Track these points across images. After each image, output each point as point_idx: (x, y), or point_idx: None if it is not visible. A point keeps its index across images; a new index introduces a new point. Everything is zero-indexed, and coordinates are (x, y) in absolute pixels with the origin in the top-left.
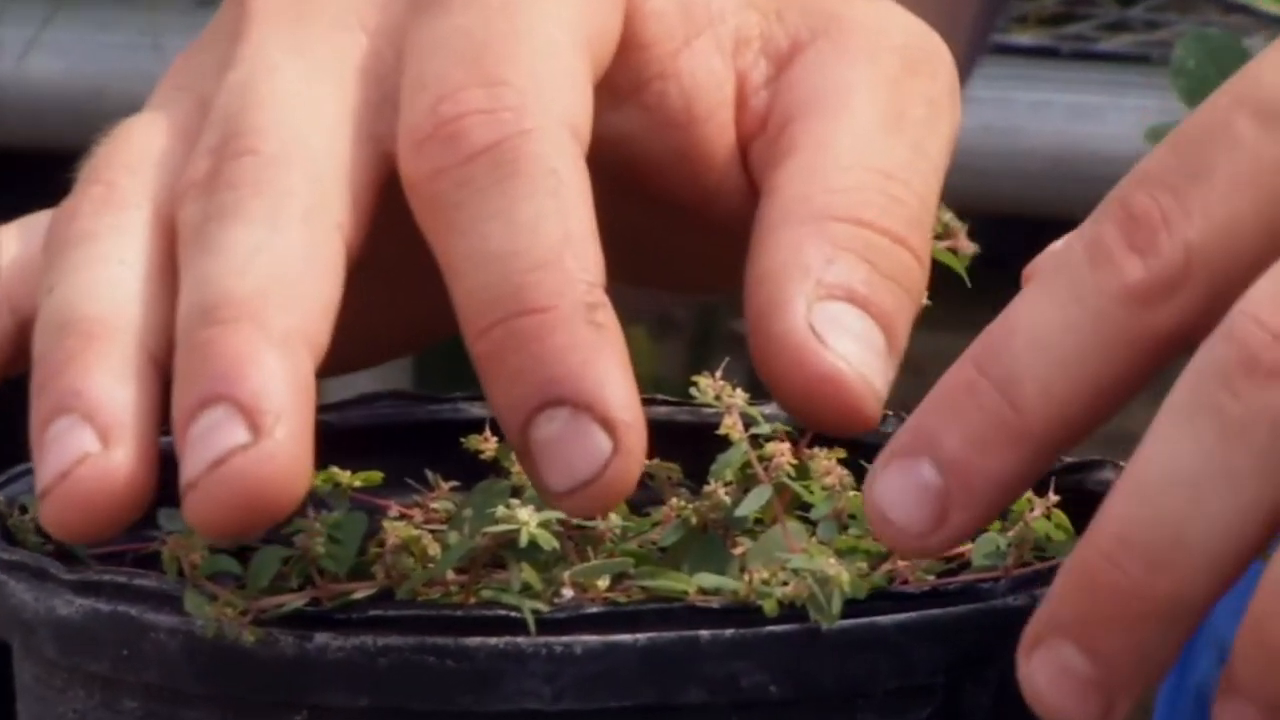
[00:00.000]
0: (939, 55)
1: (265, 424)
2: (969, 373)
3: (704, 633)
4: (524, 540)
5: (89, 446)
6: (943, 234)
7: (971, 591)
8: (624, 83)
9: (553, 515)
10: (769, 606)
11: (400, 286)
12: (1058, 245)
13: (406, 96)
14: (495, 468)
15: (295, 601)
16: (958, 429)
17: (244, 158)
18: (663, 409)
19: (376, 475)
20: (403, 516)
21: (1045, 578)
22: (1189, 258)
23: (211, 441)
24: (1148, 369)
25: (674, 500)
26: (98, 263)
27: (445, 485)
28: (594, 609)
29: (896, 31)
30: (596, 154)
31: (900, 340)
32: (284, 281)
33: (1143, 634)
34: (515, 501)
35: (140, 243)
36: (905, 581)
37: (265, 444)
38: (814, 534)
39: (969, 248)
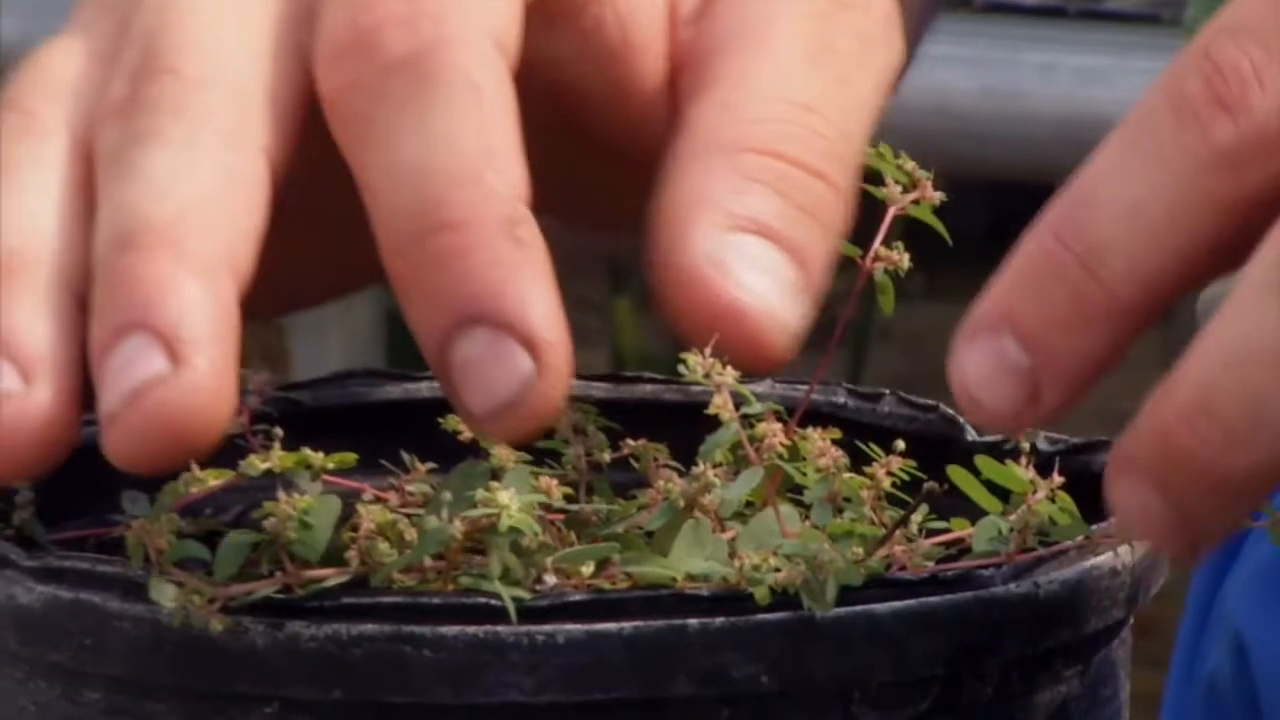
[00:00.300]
0: None
1: (185, 353)
2: (1049, 242)
3: (692, 621)
4: (504, 525)
5: (9, 385)
6: (908, 185)
7: (972, 579)
8: (559, 6)
9: (535, 499)
10: (760, 594)
11: (330, 218)
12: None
13: (325, 8)
14: (474, 449)
15: (265, 589)
16: (1042, 306)
17: (163, 79)
18: (649, 387)
19: (350, 457)
20: (377, 500)
21: (1049, 564)
22: None
23: (130, 372)
24: (1237, 235)
25: (661, 482)
26: (15, 194)
27: (422, 467)
28: (577, 597)
29: None
30: (527, 80)
31: (815, 276)
32: (204, 206)
33: (1224, 502)
34: (495, 484)
35: (59, 173)
36: (903, 567)
37: (185, 374)
38: (807, 518)
39: (935, 197)
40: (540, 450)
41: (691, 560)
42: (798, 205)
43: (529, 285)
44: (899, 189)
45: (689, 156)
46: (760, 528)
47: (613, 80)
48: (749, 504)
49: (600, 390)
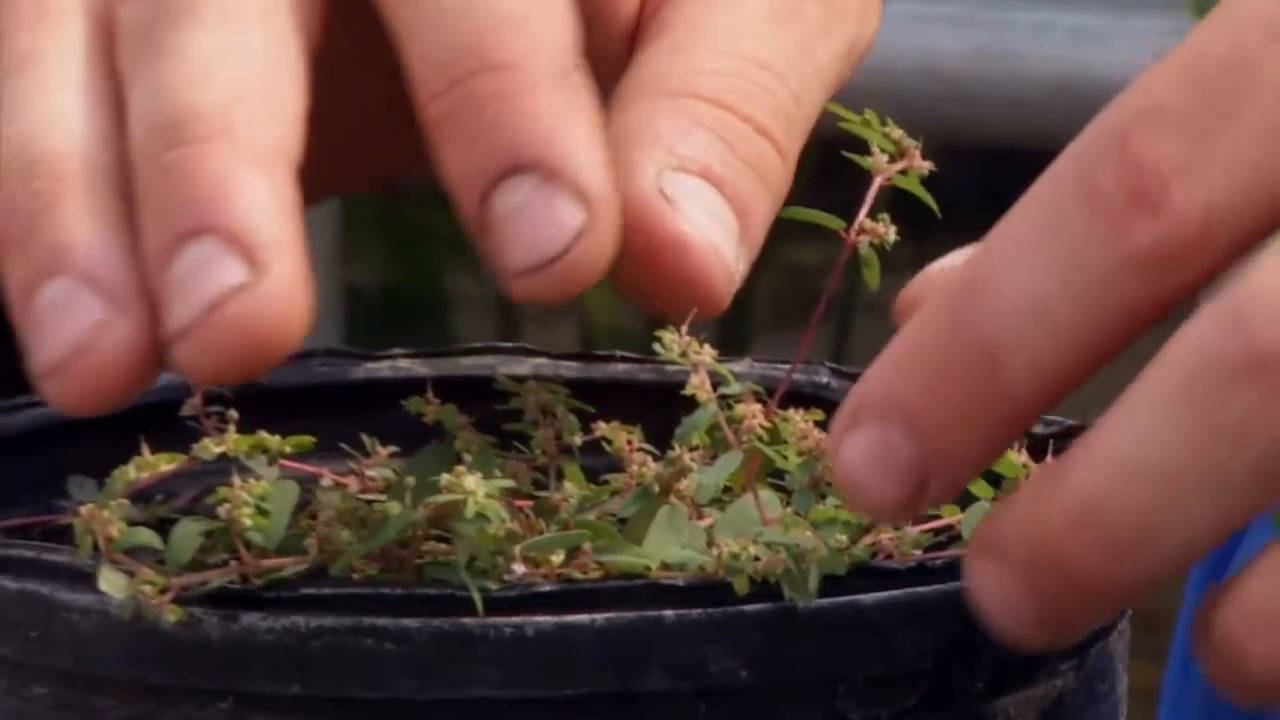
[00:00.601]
0: None
1: (262, 258)
2: (945, 332)
3: (668, 613)
4: (470, 511)
5: (96, 314)
6: (895, 154)
7: (961, 567)
8: None
9: (502, 484)
10: (739, 584)
11: (352, 96)
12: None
13: None
14: (438, 431)
15: (220, 579)
16: (936, 401)
17: None
18: (622, 366)
19: (308, 440)
20: (337, 485)
21: None
22: (1207, 222)
23: (202, 280)
24: (1145, 331)
25: (634, 467)
26: (49, 90)
27: (383, 451)
28: (547, 587)
29: None
30: None
31: (756, 233)
32: (252, 90)
33: (1095, 607)
34: (461, 468)
35: (88, 59)
36: (889, 556)
37: (266, 282)
38: (789, 504)
39: (923, 166)
40: (507, 433)
41: (667, 548)
42: (742, 157)
43: (582, 133)
44: (885, 158)
45: (634, 97)
46: (739, 515)
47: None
48: (727, 489)
49: (570, 369)
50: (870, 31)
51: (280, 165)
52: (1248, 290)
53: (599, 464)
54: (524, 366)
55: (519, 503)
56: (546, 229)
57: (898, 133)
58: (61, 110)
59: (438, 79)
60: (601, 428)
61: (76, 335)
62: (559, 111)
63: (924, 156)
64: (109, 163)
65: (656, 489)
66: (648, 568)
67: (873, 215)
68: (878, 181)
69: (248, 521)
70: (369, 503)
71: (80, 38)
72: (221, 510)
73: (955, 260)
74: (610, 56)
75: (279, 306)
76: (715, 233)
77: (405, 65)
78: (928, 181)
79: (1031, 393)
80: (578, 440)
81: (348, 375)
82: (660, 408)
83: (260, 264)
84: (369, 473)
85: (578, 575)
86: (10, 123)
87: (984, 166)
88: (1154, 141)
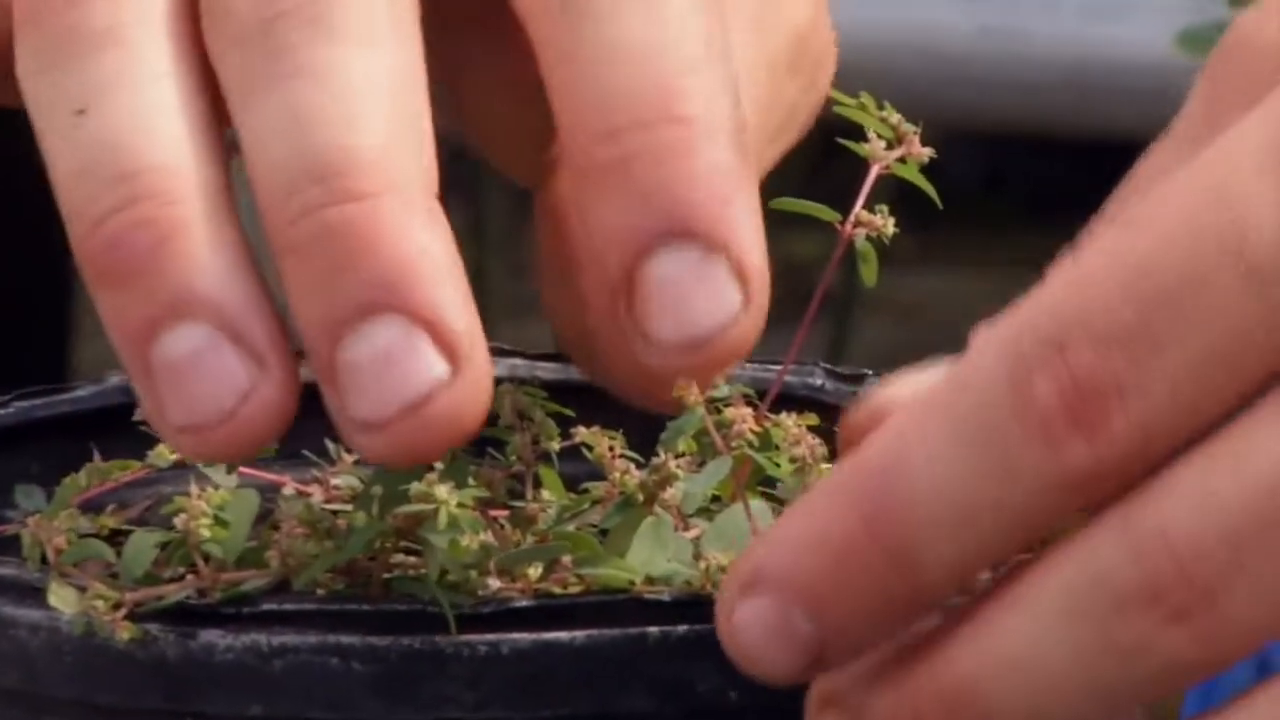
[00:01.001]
0: (828, 63)
1: (463, 351)
2: (857, 528)
3: (652, 630)
4: (443, 522)
5: (240, 374)
6: (892, 141)
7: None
8: None
9: (475, 493)
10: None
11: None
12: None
13: None
14: None
15: (176, 593)
16: (843, 591)
17: None
18: None
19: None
20: (300, 494)
21: None
22: (1146, 444)
23: (399, 373)
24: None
25: (617, 475)
26: (138, 81)
27: (348, 457)
28: (524, 602)
29: (796, 12)
30: None
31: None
32: (405, 127)
33: None
34: (432, 476)
35: (172, 40)
36: None
37: (467, 376)
38: (781, 513)
39: (923, 153)
40: (481, 439)
41: (651, 561)
42: None
43: (747, 206)
44: (883, 145)
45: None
46: (728, 525)
47: None
48: (715, 499)
49: (547, 370)
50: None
51: (441, 216)
52: (1155, 524)
53: (579, 471)
54: (498, 367)
55: (494, 513)
56: (704, 305)
57: (895, 117)
58: (156, 108)
59: (611, 120)
60: (581, 433)
61: (222, 398)
62: (733, 177)
63: (924, 143)
64: (219, 181)
65: (640, 498)
66: (631, 581)
67: (870, 206)
68: (875, 170)
69: (205, 533)
70: (334, 513)
71: (161, 9)
72: (178, 521)
73: (908, 387)
74: None
75: (479, 401)
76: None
77: (566, 94)
78: (931, 167)
79: (945, 586)
80: (556, 446)
81: (308, 375)
82: (640, 412)
83: (461, 358)
84: (334, 481)
85: (556, 590)
86: (94, 113)
87: (990, 152)
88: (1095, 357)
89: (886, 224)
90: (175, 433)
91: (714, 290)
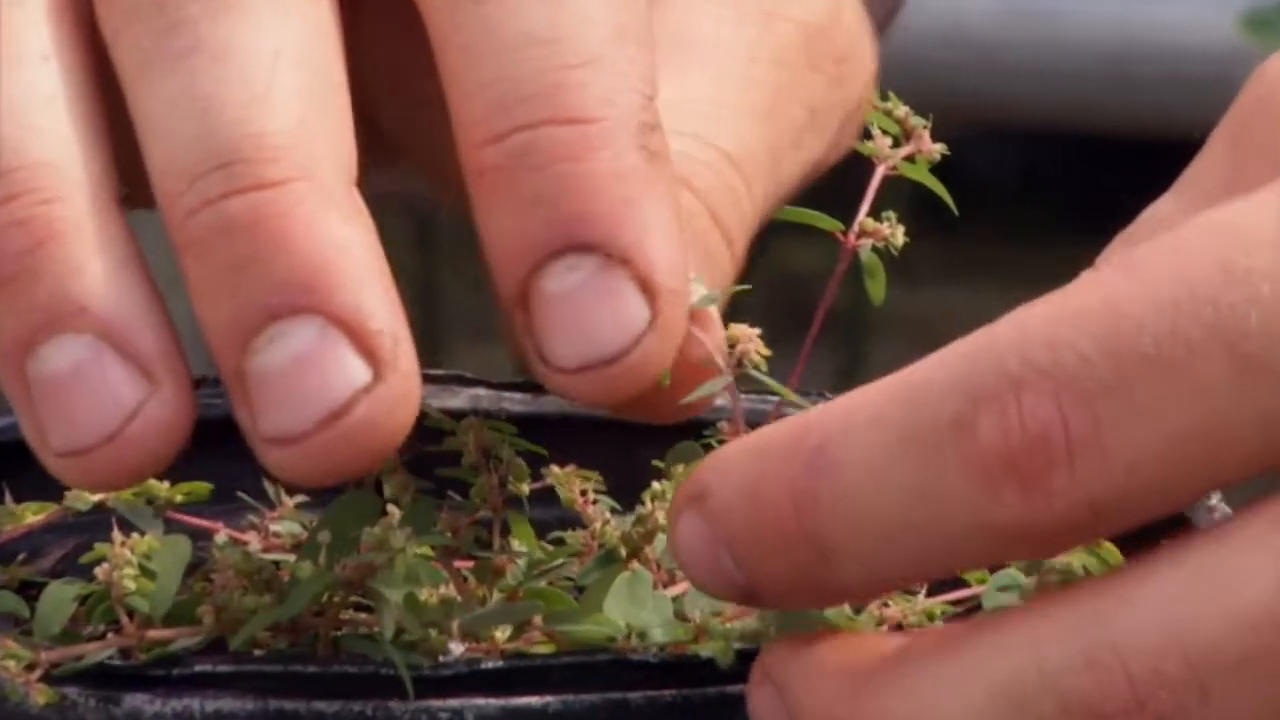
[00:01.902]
0: (856, 60)
1: (385, 353)
2: (786, 507)
3: (635, 695)
4: (399, 573)
5: (127, 390)
6: (899, 138)
7: None
8: None
9: (435, 540)
10: (720, 652)
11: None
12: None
13: None
14: (356, 479)
15: (98, 653)
16: (762, 557)
17: None
18: None
19: (202, 487)
20: (235, 542)
21: None
22: (1092, 511)
23: (316, 380)
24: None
25: (596, 523)
26: (15, 67)
27: (289, 500)
28: (490, 664)
29: (814, 4)
30: None
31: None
32: (316, 105)
33: None
34: (387, 521)
35: (57, 20)
36: (898, 627)
37: (391, 382)
38: None
39: (933, 150)
40: (443, 479)
41: (634, 614)
42: (702, 247)
43: (656, 212)
44: (889, 142)
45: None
46: None
47: None
48: None
49: (516, 402)
50: (836, 157)
51: (361, 205)
52: (1113, 636)
53: (551, 517)
54: (459, 398)
55: (456, 563)
56: (604, 321)
57: (902, 110)
58: (36, 96)
59: (496, 120)
60: (554, 473)
61: (104, 417)
62: (637, 180)
63: (949, 140)
64: (105, 174)
65: (622, 551)
66: (611, 638)
67: (879, 213)
68: (880, 171)
69: (130, 584)
70: (275, 563)
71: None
72: (99, 571)
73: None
74: None
75: (405, 408)
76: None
77: (451, 92)
78: (959, 166)
79: (861, 589)
80: (526, 489)
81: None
82: (623, 449)
83: (384, 362)
84: (274, 527)
85: (526, 650)
86: None
87: (1024, 149)
88: (1051, 406)
89: (895, 233)
90: (56, 458)
91: (614, 306)
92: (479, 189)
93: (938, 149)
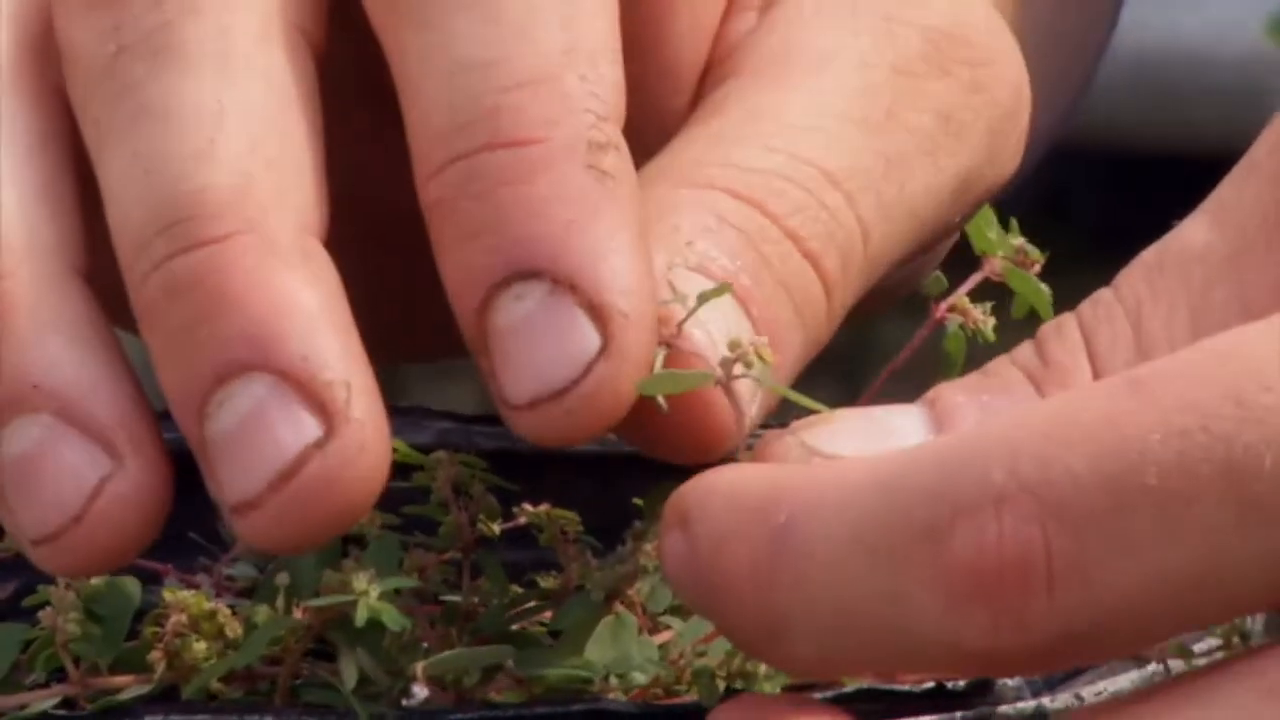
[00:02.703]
0: (996, 63)
1: (336, 405)
2: (744, 565)
3: None
4: (361, 617)
5: (88, 469)
6: (1014, 261)
7: (990, 690)
8: None
9: (401, 583)
10: (706, 692)
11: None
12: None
13: None
14: None
15: (41, 702)
16: (725, 603)
17: None
18: None
19: None
20: (186, 584)
21: (1095, 672)
22: (1067, 644)
23: (266, 439)
24: None
25: (573, 564)
26: None
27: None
28: (459, 715)
29: (942, 7)
30: None
31: (778, 374)
32: (269, 154)
33: None
34: (349, 563)
35: (19, 85)
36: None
37: (345, 434)
38: None
39: (1036, 265)
40: (410, 517)
41: (614, 656)
42: (777, 277)
43: (606, 233)
44: (1001, 258)
45: (655, 180)
46: (703, 626)
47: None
48: None
49: (486, 436)
50: (999, 172)
51: (315, 250)
52: None
53: (524, 558)
54: (426, 433)
55: (423, 607)
56: (554, 352)
57: (1018, 240)
58: None
59: (437, 150)
60: (527, 511)
61: (69, 497)
62: (582, 201)
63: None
64: (60, 244)
65: (599, 595)
66: (589, 680)
67: (972, 298)
68: (984, 273)
69: (75, 629)
70: (230, 607)
71: (6, 47)
72: (43, 615)
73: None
74: (661, 115)
75: (365, 462)
76: (743, 345)
77: (406, 124)
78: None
79: (811, 667)
80: (497, 528)
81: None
82: (602, 485)
83: (335, 413)
84: (226, 570)
85: (496, 699)
86: None
87: (1047, 169)
88: (1035, 531)
89: (986, 324)
90: (31, 545)
91: (560, 334)
92: (430, 226)
93: (1038, 263)
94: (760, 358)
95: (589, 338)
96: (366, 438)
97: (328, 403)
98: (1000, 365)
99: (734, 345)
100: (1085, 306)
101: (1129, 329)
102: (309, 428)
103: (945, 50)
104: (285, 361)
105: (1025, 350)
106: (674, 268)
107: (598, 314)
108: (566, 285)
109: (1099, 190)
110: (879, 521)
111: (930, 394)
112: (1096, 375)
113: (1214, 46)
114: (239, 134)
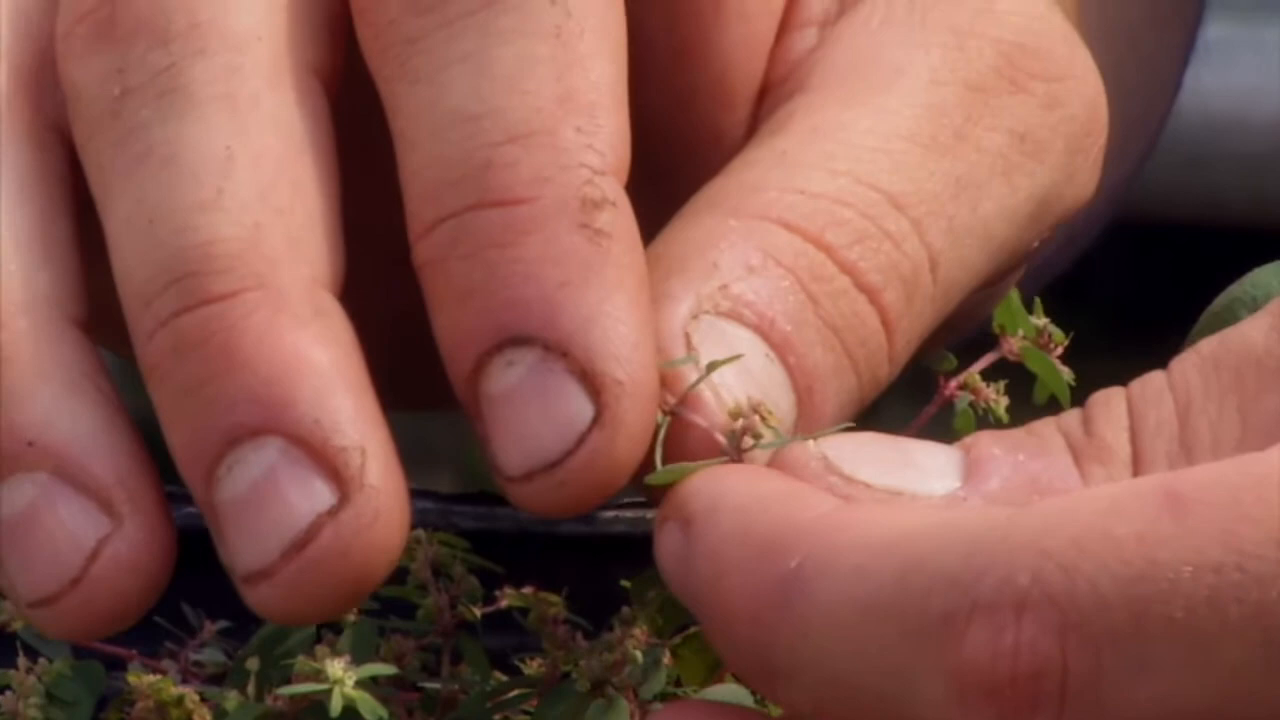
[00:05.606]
0: (1073, 78)
1: (350, 471)
2: (745, 610)
3: None
4: (336, 706)
5: (87, 529)
6: (1036, 341)
7: None
8: None
9: (378, 670)
10: None
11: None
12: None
13: None
14: None
15: None
16: (724, 625)
17: None
18: None
19: None
20: (152, 669)
21: None
22: None
23: (278, 507)
24: None
25: (558, 650)
26: None
27: (212, 625)
28: None
29: (1015, 20)
30: None
31: (818, 422)
32: (281, 204)
33: None
34: (323, 648)
35: (18, 127)
36: None
37: (360, 501)
38: (765, 702)
39: (1058, 349)
40: (387, 600)
41: None
42: (825, 318)
43: (599, 296)
44: (1021, 337)
45: (705, 209)
46: None
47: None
48: (680, 681)
49: (466, 516)
50: (1078, 193)
51: (331, 311)
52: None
53: (507, 643)
54: None
55: (401, 695)
56: (546, 422)
57: (1041, 320)
58: None
59: (428, 209)
60: (510, 594)
61: (66, 559)
62: (575, 263)
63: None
64: (55, 294)
65: (585, 683)
66: None
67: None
68: (1004, 351)
69: (37, 715)
70: (199, 694)
71: (10, 86)
72: (3, 700)
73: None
74: (715, 131)
75: (379, 530)
76: (745, 413)
77: (401, 181)
78: None
79: (810, 710)
80: (478, 612)
81: None
82: (588, 567)
83: (348, 480)
84: (193, 655)
85: None
86: None
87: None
88: (1053, 645)
89: (998, 403)
90: (29, 608)
91: (551, 403)
92: (423, 285)
93: (1061, 346)
94: (766, 423)
95: (581, 407)
96: (381, 505)
97: (340, 469)
98: (1044, 427)
99: (736, 414)
100: (1136, 386)
101: (1175, 419)
102: (321, 495)
103: (1019, 64)
104: (296, 425)
105: (1071, 418)
106: (700, 316)
107: (590, 382)
108: (558, 352)
109: (1118, 263)
110: (896, 598)
111: (969, 439)
112: (1136, 458)
113: (1242, 111)
114: (248, 181)
